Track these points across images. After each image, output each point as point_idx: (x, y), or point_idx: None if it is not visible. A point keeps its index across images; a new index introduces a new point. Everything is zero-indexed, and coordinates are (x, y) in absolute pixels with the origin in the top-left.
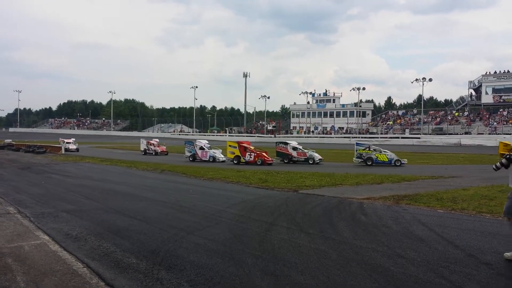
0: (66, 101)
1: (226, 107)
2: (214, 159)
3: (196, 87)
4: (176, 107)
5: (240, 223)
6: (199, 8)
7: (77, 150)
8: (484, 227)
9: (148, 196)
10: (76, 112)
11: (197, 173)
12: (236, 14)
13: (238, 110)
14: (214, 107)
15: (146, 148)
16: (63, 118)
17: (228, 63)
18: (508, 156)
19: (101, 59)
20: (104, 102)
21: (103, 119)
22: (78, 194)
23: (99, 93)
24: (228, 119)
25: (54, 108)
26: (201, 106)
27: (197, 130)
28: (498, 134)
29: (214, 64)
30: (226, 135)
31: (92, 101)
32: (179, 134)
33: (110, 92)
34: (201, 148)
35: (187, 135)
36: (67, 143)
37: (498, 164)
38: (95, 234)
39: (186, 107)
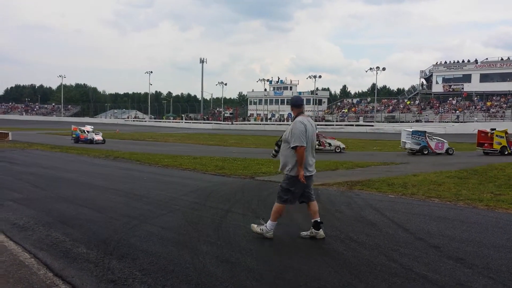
0: (13, 86)
1: (182, 93)
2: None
3: (151, 72)
4: (130, 92)
5: (195, 210)
6: None
7: (103, 142)
8: (432, 211)
9: (99, 184)
10: (24, 97)
11: (152, 160)
12: None
13: (195, 96)
14: (170, 93)
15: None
16: (10, 103)
17: (184, 48)
18: None
19: (50, 42)
20: (54, 87)
21: (53, 104)
22: (26, 182)
23: (49, 78)
24: (185, 105)
25: (0, 92)
26: (156, 92)
27: (152, 116)
28: (447, 122)
29: (170, 49)
30: (182, 122)
31: (42, 86)
32: (133, 121)
33: (60, 76)
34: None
35: (142, 121)
36: (88, 132)
37: None
38: (44, 223)
39: (140, 93)
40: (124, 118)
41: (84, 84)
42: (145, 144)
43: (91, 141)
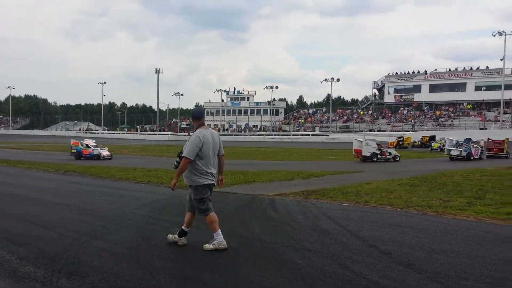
0: None
1: (137, 104)
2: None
3: (104, 82)
4: (83, 103)
5: (148, 224)
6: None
7: (111, 157)
8: (384, 218)
9: (49, 199)
10: None
11: (105, 173)
12: (147, 8)
13: (151, 107)
14: (124, 104)
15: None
16: None
17: (139, 58)
18: None
19: None
20: (2, 99)
21: (1, 116)
22: None
23: None
24: (140, 116)
25: None
26: (110, 102)
27: (106, 128)
28: (399, 131)
29: (125, 59)
30: (137, 133)
31: None
32: (85, 133)
33: (8, 87)
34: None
35: (95, 133)
36: (92, 146)
37: None
38: None
39: (93, 104)
40: (76, 130)
41: (34, 95)
42: None
43: (98, 157)
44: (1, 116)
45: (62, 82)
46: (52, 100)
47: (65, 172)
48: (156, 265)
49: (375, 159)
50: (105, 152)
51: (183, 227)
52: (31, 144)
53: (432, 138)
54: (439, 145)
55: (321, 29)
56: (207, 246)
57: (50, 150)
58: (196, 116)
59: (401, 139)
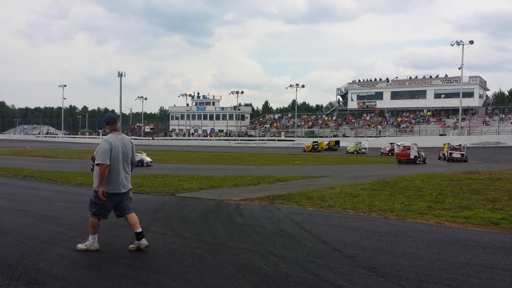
0: None
1: (99, 107)
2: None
3: (65, 85)
4: (42, 107)
5: (110, 231)
6: (67, 2)
7: (151, 163)
8: (348, 222)
9: (5, 205)
10: None
11: (65, 178)
12: (108, 11)
13: (113, 111)
14: (85, 107)
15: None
16: None
17: (101, 61)
18: None
19: None
20: None
21: None
22: None
23: None
24: (102, 120)
25: None
26: (70, 106)
27: (66, 132)
28: (362, 137)
29: (86, 63)
30: (99, 138)
31: None
32: (45, 137)
33: None
34: None
35: (55, 137)
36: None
37: None
38: None
39: (53, 107)
40: (35, 134)
41: None
42: (58, 161)
43: (141, 164)
44: None
45: (20, 85)
46: (9, 103)
47: (23, 177)
48: (117, 272)
49: (417, 162)
50: (147, 158)
51: (135, 231)
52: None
53: (337, 143)
54: (355, 148)
55: (285, 35)
56: (79, 246)
57: (8, 154)
58: (109, 121)
59: (316, 143)
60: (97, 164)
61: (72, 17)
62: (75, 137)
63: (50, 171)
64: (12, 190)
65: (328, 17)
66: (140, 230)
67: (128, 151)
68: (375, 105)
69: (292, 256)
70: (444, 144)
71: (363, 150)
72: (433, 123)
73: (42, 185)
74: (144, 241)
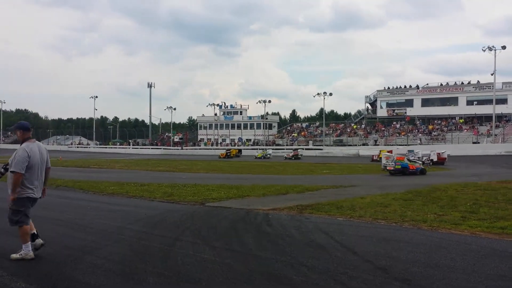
0: None
1: (129, 118)
2: None
3: (96, 97)
4: (74, 118)
5: (142, 240)
6: (98, 16)
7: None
8: (379, 233)
9: (40, 214)
10: None
11: (97, 188)
12: (138, 24)
13: (143, 121)
14: (116, 118)
15: None
16: None
17: (131, 73)
18: None
19: None
20: None
21: None
22: None
23: None
24: (132, 130)
25: None
26: (102, 117)
27: (98, 143)
28: (392, 145)
29: (116, 74)
30: (129, 147)
31: None
32: (77, 147)
33: None
34: None
35: (87, 147)
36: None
37: None
38: None
39: (85, 118)
40: (67, 145)
41: (25, 109)
42: (90, 171)
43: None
44: None
45: (53, 97)
46: (43, 114)
47: (57, 187)
48: (149, 281)
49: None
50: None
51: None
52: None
53: (240, 151)
54: (262, 154)
55: (312, 44)
56: (14, 255)
57: None
58: (26, 128)
59: (229, 151)
60: (12, 172)
61: (103, 30)
62: (106, 147)
63: (82, 181)
64: (47, 200)
65: (355, 24)
66: (34, 231)
67: (44, 158)
68: (405, 112)
69: (322, 267)
70: (380, 151)
71: (268, 156)
72: (465, 130)
73: (75, 195)
74: (39, 241)
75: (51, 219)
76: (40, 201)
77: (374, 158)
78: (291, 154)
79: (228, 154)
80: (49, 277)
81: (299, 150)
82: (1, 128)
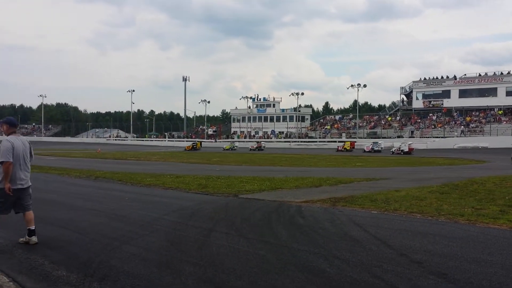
0: None
1: (165, 111)
2: None
3: (133, 90)
4: (112, 111)
5: (177, 230)
6: (132, 10)
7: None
8: (414, 226)
9: (80, 204)
10: (3, 117)
11: (134, 179)
12: (171, 18)
13: (178, 114)
14: (152, 111)
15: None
16: None
17: (166, 67)
18: None
19: (29, 62)
20: (35, 107)
21: (33, 124)
22: None
23: (29, 97)
24: (168, 123)
25: None
26: (138, 110)
27: (135, 135)
28: (428, 137)
29: (151, 68)
30: (165, 140)
31: (22, 106)
32: (115, 140)
33: (40, 96)
34: None
35: (124, 140)
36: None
37: None
38: (22, 246)
39: (122, 112)
40: (106, 137)
41: (65, 103)
42: (128, 163)
43: None
44: (34, 124)
45: (91, 90)
46: (82, 108)
47: (96, 178)
48: (185, 270)
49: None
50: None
51: (28, 228)
52: (63, 151)
53: (201, 144)
54: (230, 146)
55: (345, 35)
56: (21, 239)
57: (82, 156)
58: (13, 123)
59: (195, 143)
60: (1, 162)
61: (138, 24)
62: (143, 140)
63: (120, 172)
64: (86, 191)
65: (389, 14)
66: (33, 227)
67: (26, 150)
68: (442, 104)
69: (356, 260)
70: (344, 142)
71: (235, 148)
72: (505, 122)
73: (114, 186)
74: (34, 238)
75: (91, 209)
76: (80, 192)
77: (339, 148)
78: (255, 146)
79: (194, 146)
80: (88, 265)
81: (262, 142)
82: (43, 121)
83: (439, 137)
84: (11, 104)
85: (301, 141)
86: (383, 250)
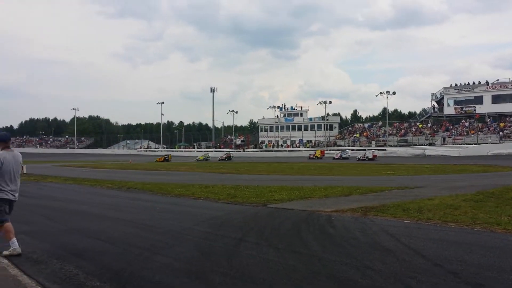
0: (28, 119)
1: (193, 122)
2: None
3: (163, 102)
4: (143, 123)
5: (207, 240)
6: (161, 24)
7: None
8: (449, 236)
9: (112, 215)
10: (38, 130)
11: (165, 190)
12: (198, 30)
13: (206, 125)
14: (181, 122)
15: None
16: (25, 137)
17: (194, 78)
18: None
19: (62, 76)
20: (68, 120)
21: (67, 136)
22: (39, 215)
23: (62, 111)
24: (196, 134)
25: (15, 126)
26: (168, 121)
27: (165, 146)
28: (461, 144)
29: (180, 80)
30: (194, 151)
31: (55, 119)
32: (146, 151)
33: (73, 109)
34: None
35: (155, 151)
36: None
37: None
38: (57, 256)
39: (152, 123)
40: (137, 149)
41: (97, 116)
42: (158, 174)
43: None
44: (67, 136)
45: (123, 103)
46: (114, 120)
47: (127, 189)
48: (215, 280)
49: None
50: None
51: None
52: (95, 162)
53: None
54: (204, 157)
55: (372, 42)
56: (5, 252)
57: (114, 168)
58: (4, 139)
59: (167, 155)
60: None
61: (166, 38)
62: (173, 151)
63: (150, 183)
64: (118, 201)
65: (417, 20)
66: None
67: (18, 165)
68: (474, 110)
69: (389, 271)
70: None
71: (208, 158)
72: None
73: (144, 196)
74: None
75: (122, 220)
76: (111, 203)
77: (311, 156)
78: (224, 156)
79: (166, 158)
80: (120, 276)
81: (230, 152)
82: (76, 134)
83: (472, 144)
84: (45, 118)
85: (330, 150)
86: (416, 260)
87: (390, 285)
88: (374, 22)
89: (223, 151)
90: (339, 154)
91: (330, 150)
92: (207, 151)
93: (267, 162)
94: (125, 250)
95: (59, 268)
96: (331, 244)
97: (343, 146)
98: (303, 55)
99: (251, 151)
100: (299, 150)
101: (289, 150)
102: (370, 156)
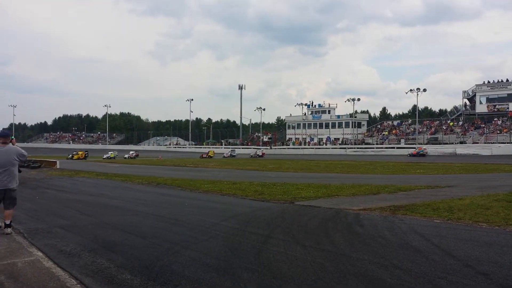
0: (61, 116)
1: (221, 119)
2: None
3: (192, 99)
4: (172, 120)
5: (235, 236)
6: (190, 22)
7: None
8: (480, 236)
9: (143, 210)
10: (71, 126)
11: (193, 186)
12: (226, 28)
13: (234, 122)
14: (209, 119)
15: None
16: (58, 133)
17: (222, 75)
18: None
19: (95, 73)
20: (100, 116)
21: (99, 133)
22: (72, 209)
23: (95, 107)
24: (224, 131)
25: (49, 122)
26: (196, 118)
27: (193, 143)
28: (493, 143)
29: (208, 77)
30: (222, 147)
31: (88, 115)
32: (175, 147)
33: (105, 106)
34: None
35: (184, 148)
36: None
37: None
38: (89, 249)
39: (181, 120)
40: (166, 145)
41: (128, 112)
42: (186, 170)
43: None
44: (99, 133)
45: (153, 100)
46: (144, 117)
47: (157, 185)
48: (244, 276)
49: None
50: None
51: (4, 222)
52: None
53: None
54: (231, 153)
55: (401, 39)
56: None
57: (144, 164)
58: (3, 136)
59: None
60: None
61: (195, 35)
62: (201, 147)
63: (179, 179)
64: (148, 197)
65: (448, 16)
66: (8, 222)
67: (8, 159)
68: (508, 108)
69: (418, 271)
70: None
71: (234, 155)
72: None
73: (173, 192)
74: (7, 230)
75: (153, 214)
76: (142, 198)
77: (203, 156)
78: (262, 153)
79: (209, 155)
80: (151, 269)
81: (261, 149)
82: (108, 130)
83: (505, 143)
84: (78, 114)
85: (357, 148)
86: (447, 260)
87: (419, 285)
88: (404, 18)
89: (250, 148)
90: (229, 153)
91: (357, 148)
92: (234, 148)
93: (294, 160)
94: (155, 244)
95: (91, 261)
96: (359, 242)
97: (371, 144)
98: (330, 51)
99: (278, 148)
100: (326, 148)
101: (316, 148)
102: (260, 154)
